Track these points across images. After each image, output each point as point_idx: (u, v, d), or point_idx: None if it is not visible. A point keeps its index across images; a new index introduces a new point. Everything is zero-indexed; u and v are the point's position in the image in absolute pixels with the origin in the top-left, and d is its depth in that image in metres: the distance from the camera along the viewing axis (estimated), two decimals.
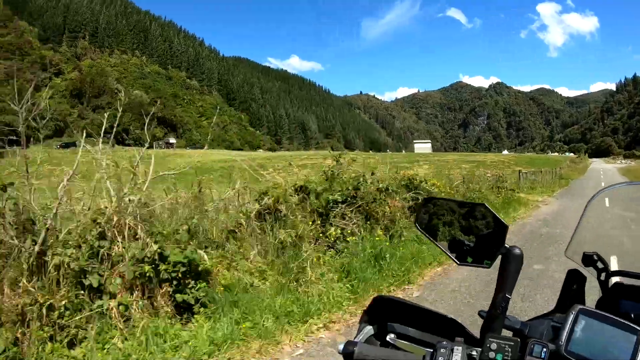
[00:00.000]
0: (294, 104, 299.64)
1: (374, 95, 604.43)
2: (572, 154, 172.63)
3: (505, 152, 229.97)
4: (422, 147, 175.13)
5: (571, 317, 1.15)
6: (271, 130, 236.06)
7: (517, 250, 1.19)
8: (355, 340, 1.30)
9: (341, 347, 1.19)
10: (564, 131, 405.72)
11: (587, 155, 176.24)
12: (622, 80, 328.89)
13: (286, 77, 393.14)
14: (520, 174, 28.28)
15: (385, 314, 1.42)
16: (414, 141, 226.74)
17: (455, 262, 1.32)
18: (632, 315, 1.30)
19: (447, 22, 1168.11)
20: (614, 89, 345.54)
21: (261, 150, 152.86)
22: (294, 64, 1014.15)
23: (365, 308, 1.47)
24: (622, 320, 1.11)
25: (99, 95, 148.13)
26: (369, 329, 1.43)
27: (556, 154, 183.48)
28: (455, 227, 1.39)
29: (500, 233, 1.23)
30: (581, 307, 1.17)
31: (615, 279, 1.43)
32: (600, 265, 1.44)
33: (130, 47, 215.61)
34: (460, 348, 1.12)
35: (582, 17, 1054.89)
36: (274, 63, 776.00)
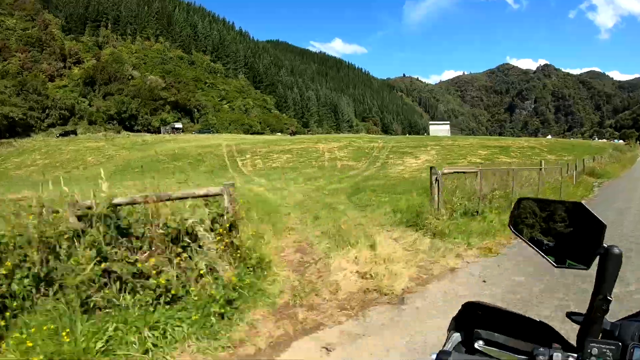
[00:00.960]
0: (328, 87, 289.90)
1: (417, 78, 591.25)
2: (621, 141, 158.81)
3: (549, 137, 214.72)
4: (439, 129, 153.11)
5: None
6: (298, 113, 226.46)
7: (616, 250, 1.12)
8: (445, 349, 1.29)
9: (434, 357, 1.17)
10: (614, 117, 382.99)
11: (638, 143, 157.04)
12: None
13: (324, 59, 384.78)
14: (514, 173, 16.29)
15: (472, 320, 1.39)
16: (430, 122, 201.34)
17: (552, 264, 1.28)
18: None
19: (493, 3, 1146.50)
20: None
21: (279, 134, 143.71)
22: (337, 47, 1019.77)
23: (454, 315, 1.44)
24: None
25: (109, 82, 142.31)
26: (456, 337, 1.40)
27: (604, 140, 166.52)
28: (549, 227, 1.35)
29: (597, 232, 1.17)
30: None
31: None
32: None
33: (154, 33, 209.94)
34: (559, 354, 1.09)
35: None
36: (316, 47, 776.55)
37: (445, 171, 12.39)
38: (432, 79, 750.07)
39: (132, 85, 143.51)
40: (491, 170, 16.21)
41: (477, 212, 12.05)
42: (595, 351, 1.05)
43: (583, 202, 1.30)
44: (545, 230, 1.35)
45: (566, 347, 1.19)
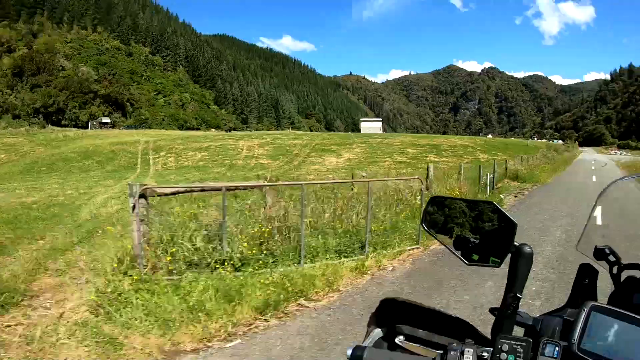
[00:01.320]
0: (272, 83, 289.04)
1: (364, 77, 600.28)
2: (560, 141, 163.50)
3: (490, 136, 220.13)
4: (371, 126, 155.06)
5: (583, 314, 1.12)
6: (237, 109, 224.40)
7: (527, 248, 1.17)
8: (364, 344, 1.29)
9: (349, 351, 1.17)
10: (555, 118, 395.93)
11: (577, 143, 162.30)
12: (617, 70, 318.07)
13: (270, 55, 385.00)
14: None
15: (393, 316, 1.40)
16: (361, 120, 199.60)
17: (464, 262, 1.29)
18: None
19: (443, 5, 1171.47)
20: (608, 79, 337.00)
21: (214, 130, 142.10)
22: (287, 44, 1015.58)
23: (373, 311, 1.45)
24: (637, 316, 1.08)
25: (38, 72, 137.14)
26: (377, 332, 1.40)
27: (544, 140, 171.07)
28: (463, 226, 1.37)
29: (509, 231, 1.20)
30: (593, 303, 1.14)
31: (628, 273, 1.40)
32: (612, 258, 1.42)
33: (92, 22, 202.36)
34: (471, 350, 1.10)
35: (578, 7, 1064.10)
36: (266, 43, 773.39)
37: (166, 191, 7.35)
38: (380, 78, 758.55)
39: (61, 76, 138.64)
40: (296, 184, 10.14)
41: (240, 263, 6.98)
42: (505, 347, 1.07)
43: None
44: (457, 228, 1.37)
45: (480, 341, 1.21)
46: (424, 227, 1.42)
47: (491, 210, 1.31)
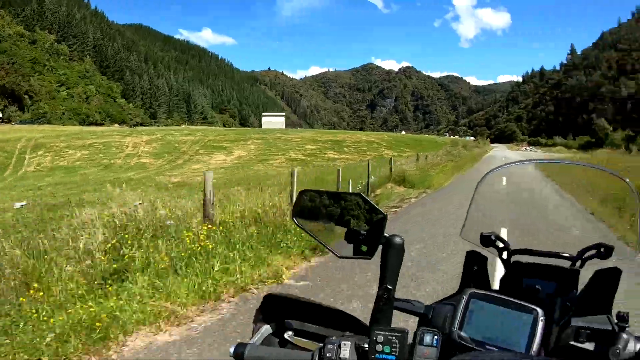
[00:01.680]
0: (185, 76, 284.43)
1: (282, 72, 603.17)
2: (471, 138, 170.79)
3: (403, 132, 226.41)
4: (273, 121, 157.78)
5: (463, 302, 1.15)
6: (145, 103, 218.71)
7: (397, 239, 1.16)
8: (252, 341, 1.28)
9: (232, 349, 1.16)
10: (469, 117, 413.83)
11: (488, 139, 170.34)
12: (529, 72, 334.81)
13: (187, 47, 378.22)
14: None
15: (280, 311, 1.38)
16: (263, 114, 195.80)
17: (335, 255, 1.28)
18: (534, 293, 1.28)
19: (364, 5, 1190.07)
20: (520, 81, 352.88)
21: (117, 125, 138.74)
22: (206, 37, 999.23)
23: (257, 307, 1.42)
24: (517, 301, 1.12)
25: None
26: (266, 329, 1.37)
27: (456, 137, 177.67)
28: (332, 218, 1.35)
29: (379, 223, 1.20)
30: (472, 290, 1.17)
31: (516, 257, 1.42)
32: (500, 244, 1.43)
33: None
34: (348, 343, 1.08)
35: (495, 13, 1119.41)
36: (184, 35, 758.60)
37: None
38: (300, 74, 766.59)
39: None
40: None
41: None
42: (380, 339, 1.05)
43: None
44: (330, 220, 1.35)
45: (362, 332, 1.20)
46: (294, 222, 1.38)
47: (359, 202, 1.29)
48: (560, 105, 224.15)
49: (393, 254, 1.15)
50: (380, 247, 1.18)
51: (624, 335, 1.00)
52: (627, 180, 1.26)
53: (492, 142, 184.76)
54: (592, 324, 1.06)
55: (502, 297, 1.13)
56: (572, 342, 1.05)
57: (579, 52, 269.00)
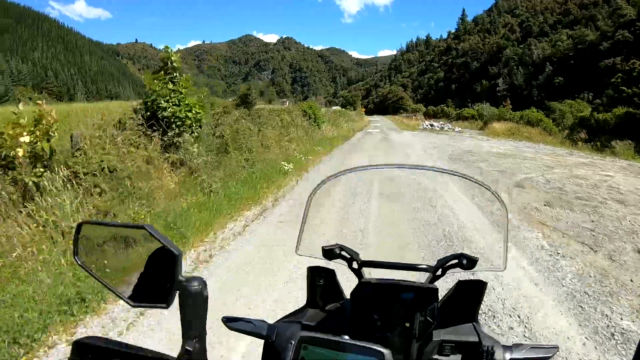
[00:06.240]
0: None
1: (151, 45, 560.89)
2: (337, 107, 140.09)
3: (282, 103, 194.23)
4: None
5: (291, 348, 0.98)
6: None
7: (194, 285, 0.92)
8: None
9: None
10: (348, 87, 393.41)
11: (364, 110, 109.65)
12: (414, 40, 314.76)
13: (25, 13, 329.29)
14: None
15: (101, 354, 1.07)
16: None
17: (128, 304, 1.01)
18: (388, 313, 1.17)
19: None
20: (405, 50, 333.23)
21: None
22: (79, 10, 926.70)
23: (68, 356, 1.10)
24: (357, 343, 0.94)
25: None
26: None
27: (336, 107, 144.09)
28: (121, 257, 1.09)
29: (170, 262, 0.94)
30: (302, 334, 0.99)
31: (366, 270, 1.34)
32: (346, 255, 1.33)
33: None
34: None
35: None
36: (56, 8, 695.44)
37: None
38: (178, 48, 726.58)
39: None
40: None
41: None
42: None
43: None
44: (120, 259, 1.09)
45: None
46: (77, 262, 1.08)
47: (147, 235, 0.99)
48: (452, 71, 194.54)
49: (190, 303, 0.93)
50: (178, 292, 0.94)
51: (490, 345, 0.98)
52: (493, 190, 1.21)
53: (372, 113, 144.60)
54: (457, 336, 1.02)
55: (339, 339, 0.96)
56: (435, 356, 1.01)
57: (470, 20, 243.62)
